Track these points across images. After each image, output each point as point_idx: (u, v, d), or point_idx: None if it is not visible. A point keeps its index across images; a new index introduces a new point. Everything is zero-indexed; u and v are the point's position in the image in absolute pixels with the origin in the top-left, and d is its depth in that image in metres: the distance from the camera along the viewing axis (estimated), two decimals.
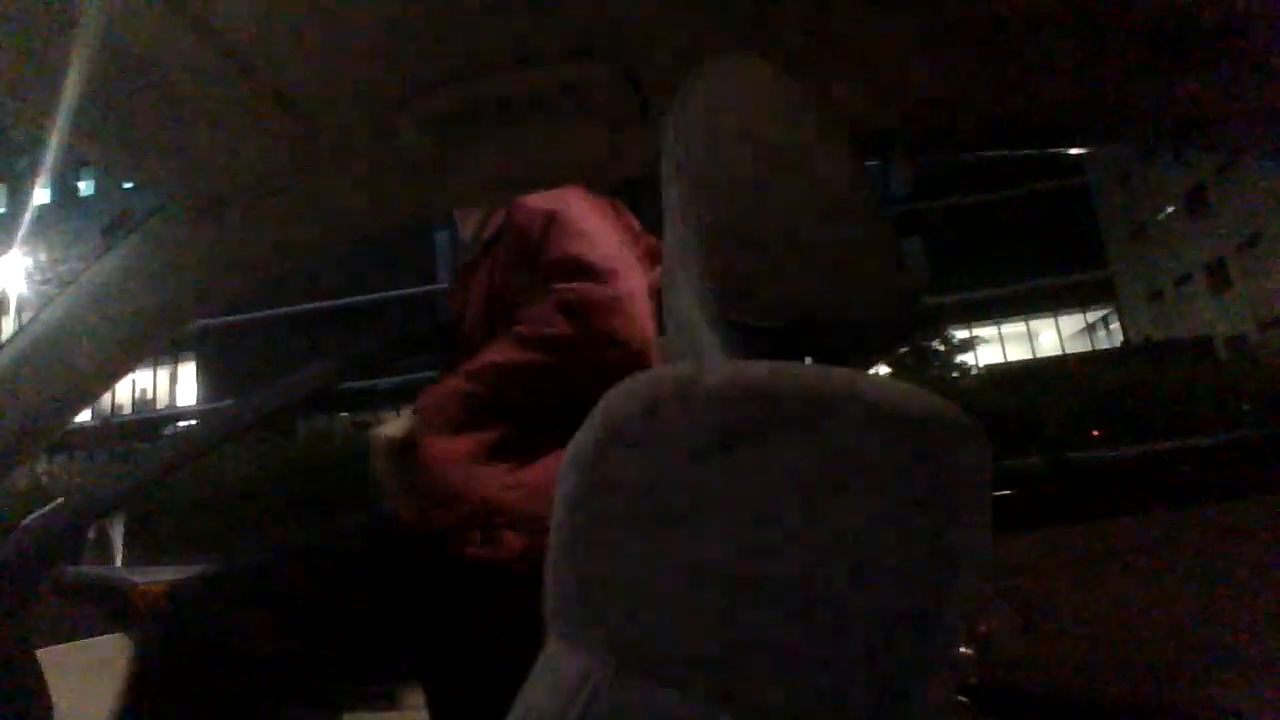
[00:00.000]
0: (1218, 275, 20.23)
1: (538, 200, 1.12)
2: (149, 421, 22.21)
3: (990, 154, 1.30)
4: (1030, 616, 1.33)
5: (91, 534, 1.15)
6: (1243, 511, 1.43)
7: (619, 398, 0.35)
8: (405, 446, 0.93)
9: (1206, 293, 20.70)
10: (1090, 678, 1.36)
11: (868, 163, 0.89)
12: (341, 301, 22.13)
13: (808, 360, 0.42)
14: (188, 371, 23.96)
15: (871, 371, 0.49)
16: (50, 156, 0.83)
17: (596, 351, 0.94)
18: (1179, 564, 1.39)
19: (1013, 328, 24.48)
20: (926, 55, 0.96)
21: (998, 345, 23.73)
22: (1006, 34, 0.95)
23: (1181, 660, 1.34)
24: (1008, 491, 1.55)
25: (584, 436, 0.35)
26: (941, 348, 18.53)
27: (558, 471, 0.36)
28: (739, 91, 0.47)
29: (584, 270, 1.01)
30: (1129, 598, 1.39)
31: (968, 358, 19.92)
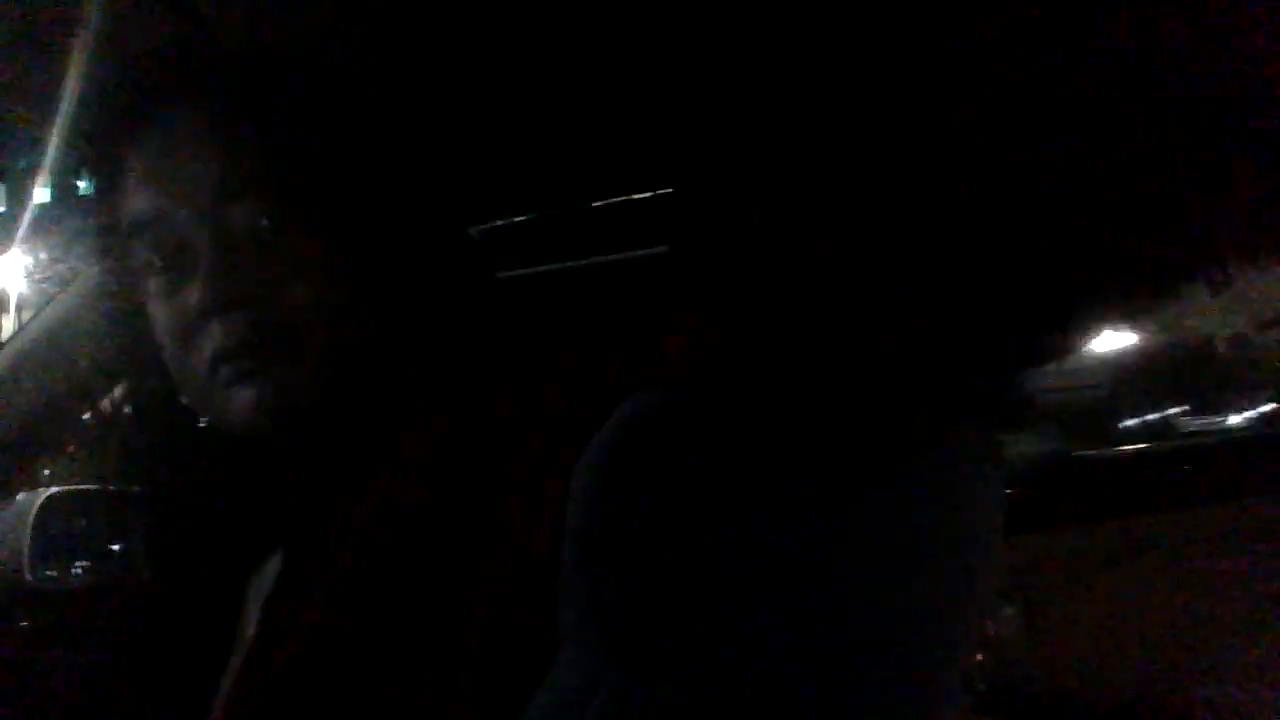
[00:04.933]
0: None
1: None
2: None
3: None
4: (1032, 617, 1.33)
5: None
6: (1242, 512, 1.43)
7: (639, 402, 0.35)
8: None
9: (1205, 290, 20.64)
10: (1091, 678, 1.36)
11: None
12: None
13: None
14: None
15: None
16: (50, 156, 0.83)
17: None
18: (1179, 565, 1.39)
19: None
20: None
21: None
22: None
23: (1181, 660, 1.34)
24: (1008, 491, 1.54)
25: (602, 439, 0.34)
26: None
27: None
28: None
29: None
30: (1129, 598, 1.39)
31: None
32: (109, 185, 0.54)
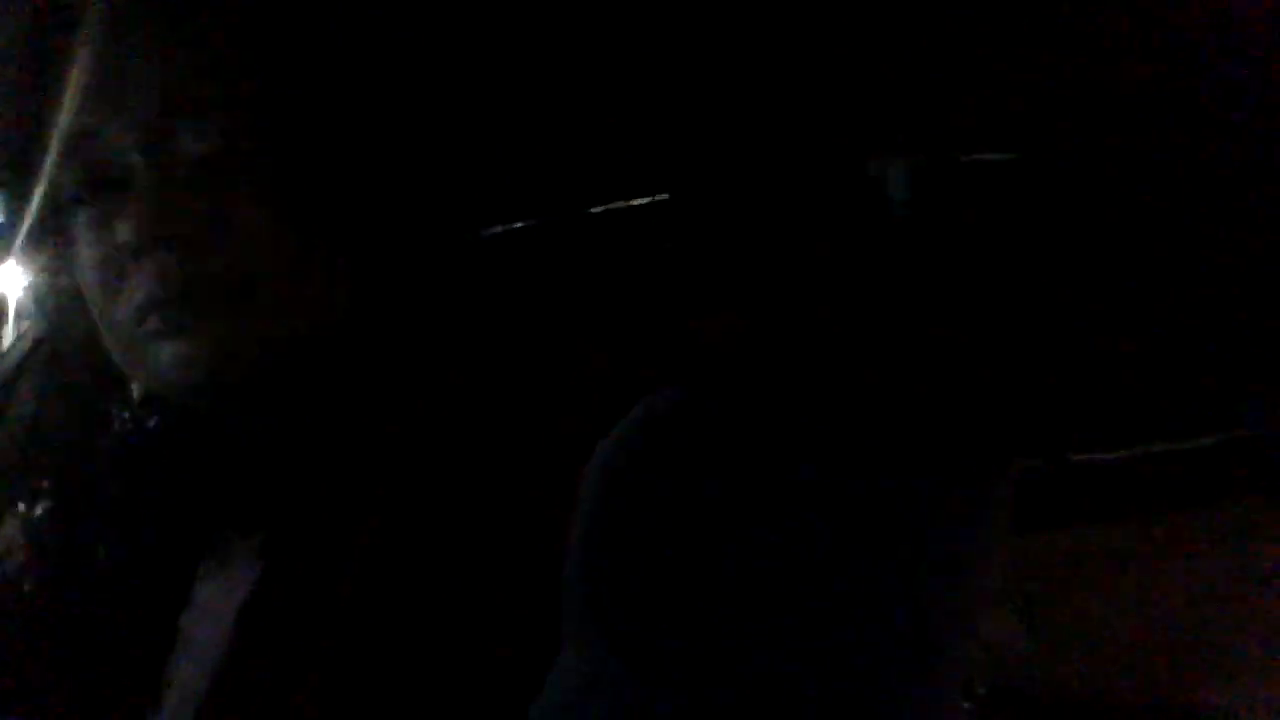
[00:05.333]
0: None
1: None
2: None
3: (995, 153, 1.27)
4: (1032, 617, 1.33)
5: None
6: (1242, 514, 1.43)
7: (649, 402, 0.35)
8: None
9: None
10: (1092, 679, 1.36)
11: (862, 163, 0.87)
12: None
13: None
14: None
15: None
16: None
17: None
18: (1179, 566, 1.39)
19: None
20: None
21: None
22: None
23: (1184, 662, 1.35)
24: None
25: (611, 439, 0.35)
26: None
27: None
28: None
29: None
30: (1130, 599, 1.39)
31: None
32: (33, 93, 0.46)
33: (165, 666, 0.52)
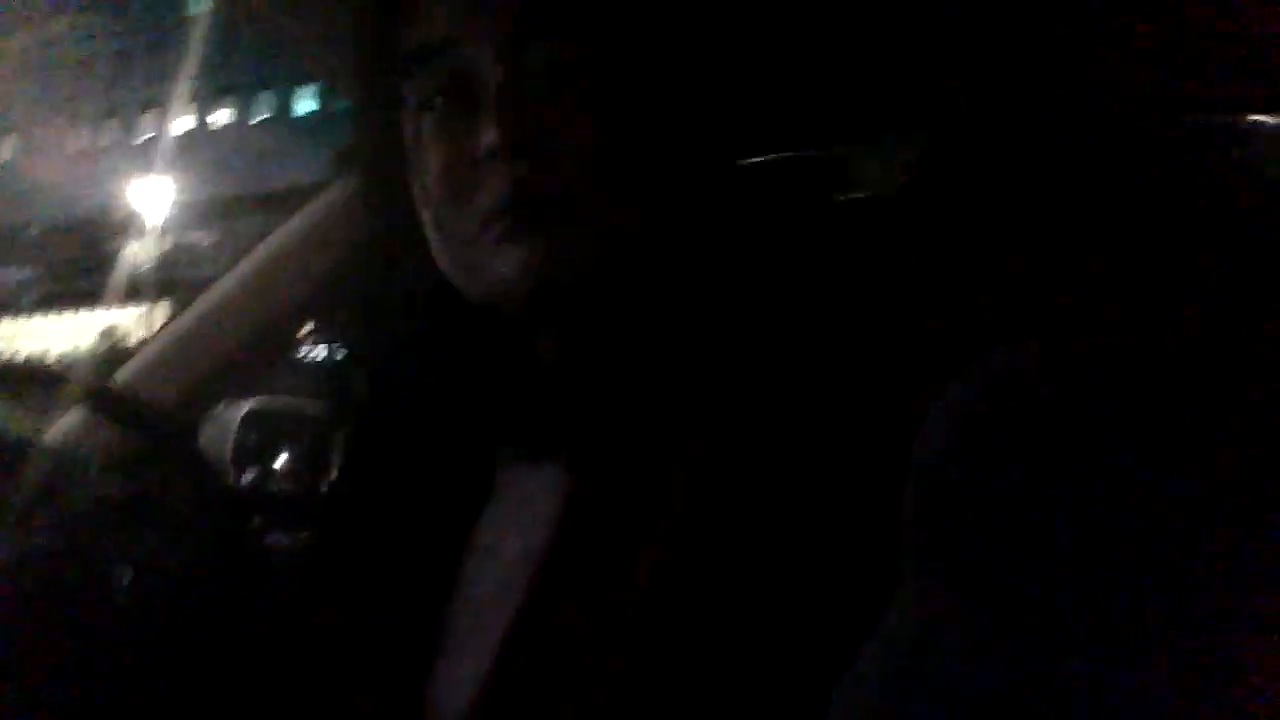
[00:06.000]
0: None
1: None
2: None
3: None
4: None
5: None
6: None
7: (1011, 353, 0.35)
8: None
9: None
10: None
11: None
12: None
13: None
14: None
15: None
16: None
17: None
18: None
19: None
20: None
21: None
22: None
23: None
24: None
25: (971, 389, 0.35)
26: None
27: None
28: None
29: None
30: None
31: None
32: (390, 8, 0.48)
33: (447, 605, 0.48)
